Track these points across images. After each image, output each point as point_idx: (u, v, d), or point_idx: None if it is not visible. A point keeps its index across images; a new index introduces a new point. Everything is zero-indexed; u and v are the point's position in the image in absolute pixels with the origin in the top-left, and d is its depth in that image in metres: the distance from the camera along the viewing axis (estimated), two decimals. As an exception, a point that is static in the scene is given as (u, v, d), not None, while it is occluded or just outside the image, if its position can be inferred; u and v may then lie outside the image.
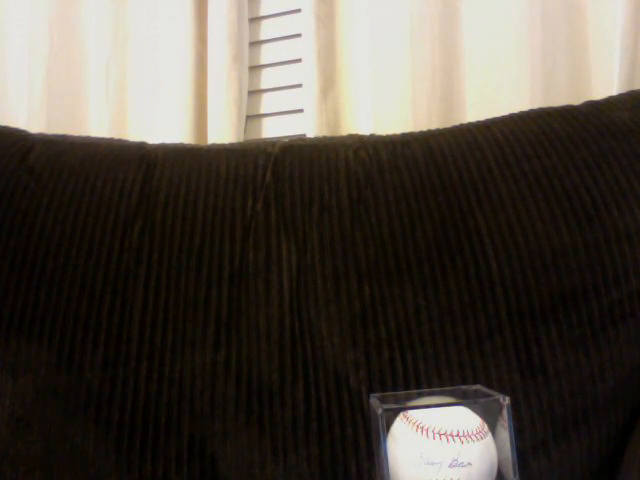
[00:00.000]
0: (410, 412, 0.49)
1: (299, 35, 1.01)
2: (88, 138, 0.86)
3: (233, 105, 1.03)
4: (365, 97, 0.97)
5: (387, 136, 0.81)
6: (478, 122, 0.79)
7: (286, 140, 0.83)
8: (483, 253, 0.68)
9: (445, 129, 0.80)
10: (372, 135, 0.85)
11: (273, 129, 1.09)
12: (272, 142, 0.82)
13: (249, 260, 0.70)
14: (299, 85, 1.02)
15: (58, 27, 1.11)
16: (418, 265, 0.68)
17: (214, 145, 0.97)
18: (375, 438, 0.49)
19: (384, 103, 0.95)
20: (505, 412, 0.50)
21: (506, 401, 0.50)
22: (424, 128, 0.82)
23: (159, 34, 1.09)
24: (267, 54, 1.09)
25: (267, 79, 1.09)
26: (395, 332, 0.66)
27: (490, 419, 0.51)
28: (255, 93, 1.09)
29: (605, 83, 0.86)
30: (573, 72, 0.90)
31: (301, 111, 1.02)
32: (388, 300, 0.67)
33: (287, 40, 1.07)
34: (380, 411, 0.48)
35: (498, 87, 0.91)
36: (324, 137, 0.96)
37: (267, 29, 1.08)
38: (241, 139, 1.05)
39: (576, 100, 0.79)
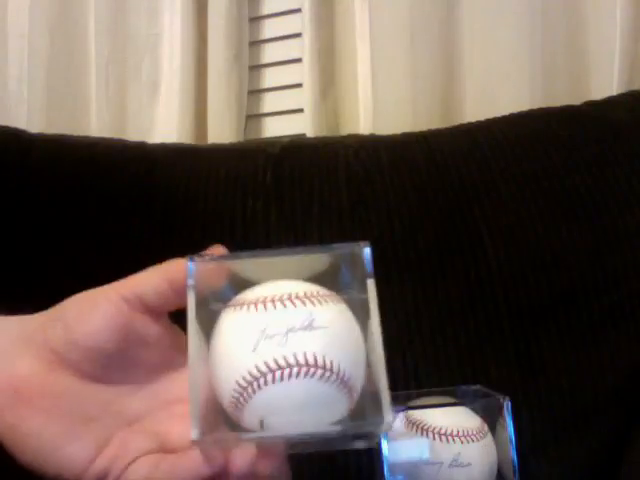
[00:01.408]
0: (410, 412, 0.50)
1: (299, 35, 1.01)
2: (88, 138, 0.86)
3: (233, 105, 1.03)
4: (365, 97, 0.97)
5: (387, 136, 0.81)
6: (478, 122, 0.79)
7: (286, 140, 0.83)
8: (483, 253, 0.68)
9: (445, 129, 0.80)
10: (372, 135, 0.85)
11: (273, 129, 1.09)
12: (272, 142, 0.81)
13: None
14: (299, 85, 1.02)
15: (58, 27, 1.11)
16: (418, 265, 0.68)
17: (214, 145, 0.97)
18: (375, 438, 0.49)
19: (384, 103, 0.95)
20: (505, 412, 0.50)
21: (506, 401, 0.50)
22: (424, 128, 0.82)
23: (159, 34, 1.09)
24: (267, 54, 1.08)
25: (267, 79, 1.09)
26: (395, 332, 0.66)
27: (490, 419, 0.51)
28: (255, 93, 1.08)
29: (605, 83, 0.86)
30: (573, 72, 0.90)
31: (301, 111, 1.02)
32: (388, 300, 0.67)
33: (287, 40, 1.06)
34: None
35: (498, 87, 0.91)
36: (324, 137, 0.96)
37: (267, 29, 1.08)
38: (241, 139, 1.05)
39: (576, 100, 0.79)
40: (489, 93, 0.92)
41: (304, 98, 1.00)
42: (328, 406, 0.31)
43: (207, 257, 0.35)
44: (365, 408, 0.32)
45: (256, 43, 1.08)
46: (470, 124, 0.80)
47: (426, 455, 0.48)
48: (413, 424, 0.49)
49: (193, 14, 1.05)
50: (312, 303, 0.31)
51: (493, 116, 0.79)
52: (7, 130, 0.80)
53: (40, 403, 0.32)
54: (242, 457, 0.30)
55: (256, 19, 1.08)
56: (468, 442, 0.48)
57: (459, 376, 0.64)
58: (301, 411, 0.30)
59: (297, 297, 0.31)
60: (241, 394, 0.30)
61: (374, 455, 0.49)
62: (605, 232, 0.67)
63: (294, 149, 0.79)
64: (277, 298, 0.31)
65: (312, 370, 0.29)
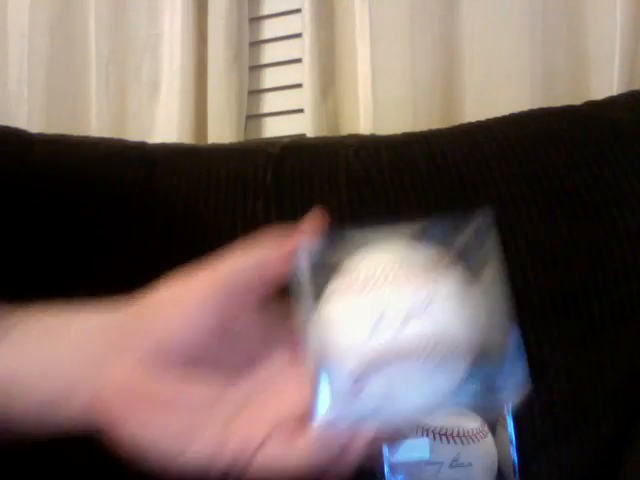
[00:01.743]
0: (410, 412, 0.49)
1: (299, 35, 1.01)
2: (88, 138, 0.86)
3: (233, 105, 1.03)
4: (365, 97, 0.97)
5: (387, 136, 0.81)
6: (478, 122, 0.79)
7: (286, 140, 0.83)
8: (483, 253, 0.68)
9: (445, 129, 0.80)
10: (372, 135, 0.84)
11: (273, 129, 1.09)
12: (272, 142, 0.81)
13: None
14: (299, 85, 1.02)
15: (58, 27, 1.11)
16: (418, 265, 0.68)
17: (214, 145, 0.97)
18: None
19: (384, 103, 0.95)
20: (505, 412, 0.50)
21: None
22: (424, 128, 0.82)
23: (159, 34, 1.09)
24: (267, 54, 1.08)
25: (267, 79, 1.09)
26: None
27: (490, 419, 0.51)
28: (255, 93, 1.09)
29: (605, 83, 0.86)
30: (573, 72, 0.90)
31: (301, 111, 1.02)
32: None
33: (287, 40, 1.07)
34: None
35: (498, 87, 0.91)
36: (324, 137, 0.96)
37: (267, 29, 1.08)
38: (241, 139, 1.05)
39: (576, 100, 0.79)
40: (489, 93, 0.92)
41: (304, 98, 1.00)
42: (449, 383, 0.30)
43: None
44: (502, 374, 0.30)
45: (256, 43, 1.08)
46: (470, 124, 0.80)
47: (426, 455, 0.48)
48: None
49: (193, 14, 1.05)
50: (432, 279, 0.29)
51: (493, 116, 0.79)
52: (7, 130, 0.80)
53: (156, 410, 0.32)
54: (361, 441, 0.30)
55: (256, 19, 1.08)
56: (468, 442, 0.48)
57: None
58: (423, 393, 0.29)
59: (414, 273, 0.29)
60: (357, 380, 0.29)
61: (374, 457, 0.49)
62: (605, 232, 0.67)
63: (294, 149, 0.79)
64: (393, 274, 0.29)
65: (434, 353, 0.28)
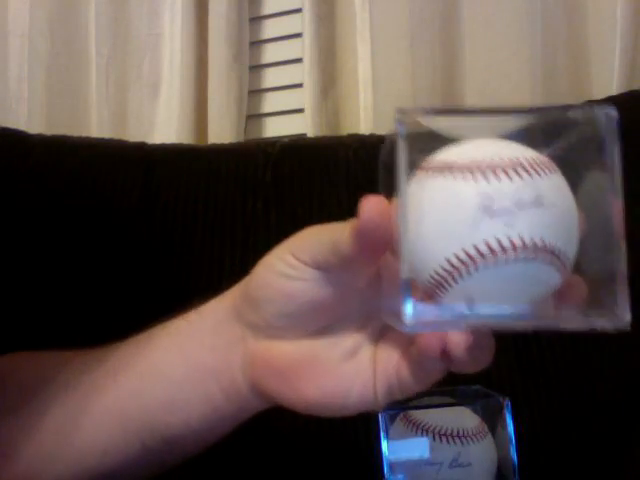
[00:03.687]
0: (410, 412, 0.50)
1: (299, 35, 1.01)
2: (88, 139, 0.86)
3: (233, 105, 1.03)
4: (365, 97, 0.97)
5: (387, 136, 0.81)
6: (477, 122, 0.79)
7: (286, 140, 0.83)
8: (483, 253, 0.68)
9: (444, 129, 0.80)
10: (372, 135, 0.84)
11: (273, 129, 1.09)
12: (272, 142, 0.81)
13: (250, 261, 0.70)
14: (299, 85, 1.02)
15: (58, 27, 1.11)
16: (418, 265, 0.68)
17: (214, 145, 0.97)
18: (375, 438, 0.49)
19: (384, 103, 0.95)
20: (505, 412, 0.50)
21: (506, 401, 0.50)
22: (424, 128, 0.81)
23: (159, 34, 1.09)
24: (267, 54, 1.09)
25: (267, 79, 1.09)
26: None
27: (490, 419, 0.51)
28: (255, 93, 1.09)
29: (605, 83, 0.86)
30: (573, 72, 0.90)
31: (301, 111, 1.02)
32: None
33: (287, 40, 1.07)
34: (380, 412, 0.48)
35: (498, 87, 0.91)
36: (324, 137, 0.96)
37: (267, 29, 1.08)
38: (241, 139, 1.05)
39: (576, 100, 0.79)
40: (489, 93, 0.92)
41: (304, 98, 1.00)
42: (545, 286, 0.28)
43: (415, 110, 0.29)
44: (600, 298, 0.29)
45: (256, 43, 1.08)
46: (468, 124, 0.79)
47: (426, 455, 0.48)
48: (413, 424, 0.49)
49: (193, 14, 1.05)
50: (538, 174, 0.27)
51: (493, 116, 0.79)
52: (7, 131, 0.80)
53: (304, 375, 0.34)
54: (459, 343, 0.29)
55: (256, 19, 1.08)
56: (468, 442, 0.48)
57: (459, 376, 0.64)
58: (518, 293, 0.28)
59: (521, 166, 0.27)
60: (450, 273, 0.27)
61: (374, 455, 0.49)
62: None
63: (294, 149, 0.79)
64: (499, 166, 0.27)
65: (541, 255, 0.26)
